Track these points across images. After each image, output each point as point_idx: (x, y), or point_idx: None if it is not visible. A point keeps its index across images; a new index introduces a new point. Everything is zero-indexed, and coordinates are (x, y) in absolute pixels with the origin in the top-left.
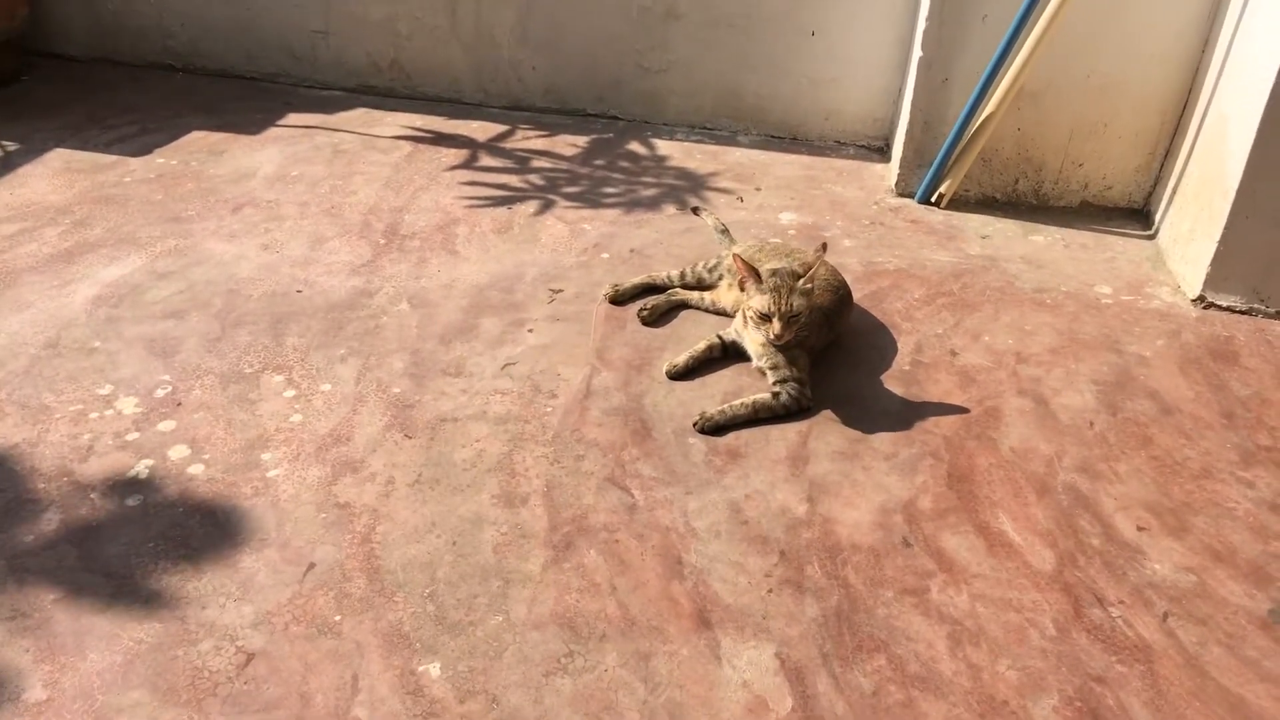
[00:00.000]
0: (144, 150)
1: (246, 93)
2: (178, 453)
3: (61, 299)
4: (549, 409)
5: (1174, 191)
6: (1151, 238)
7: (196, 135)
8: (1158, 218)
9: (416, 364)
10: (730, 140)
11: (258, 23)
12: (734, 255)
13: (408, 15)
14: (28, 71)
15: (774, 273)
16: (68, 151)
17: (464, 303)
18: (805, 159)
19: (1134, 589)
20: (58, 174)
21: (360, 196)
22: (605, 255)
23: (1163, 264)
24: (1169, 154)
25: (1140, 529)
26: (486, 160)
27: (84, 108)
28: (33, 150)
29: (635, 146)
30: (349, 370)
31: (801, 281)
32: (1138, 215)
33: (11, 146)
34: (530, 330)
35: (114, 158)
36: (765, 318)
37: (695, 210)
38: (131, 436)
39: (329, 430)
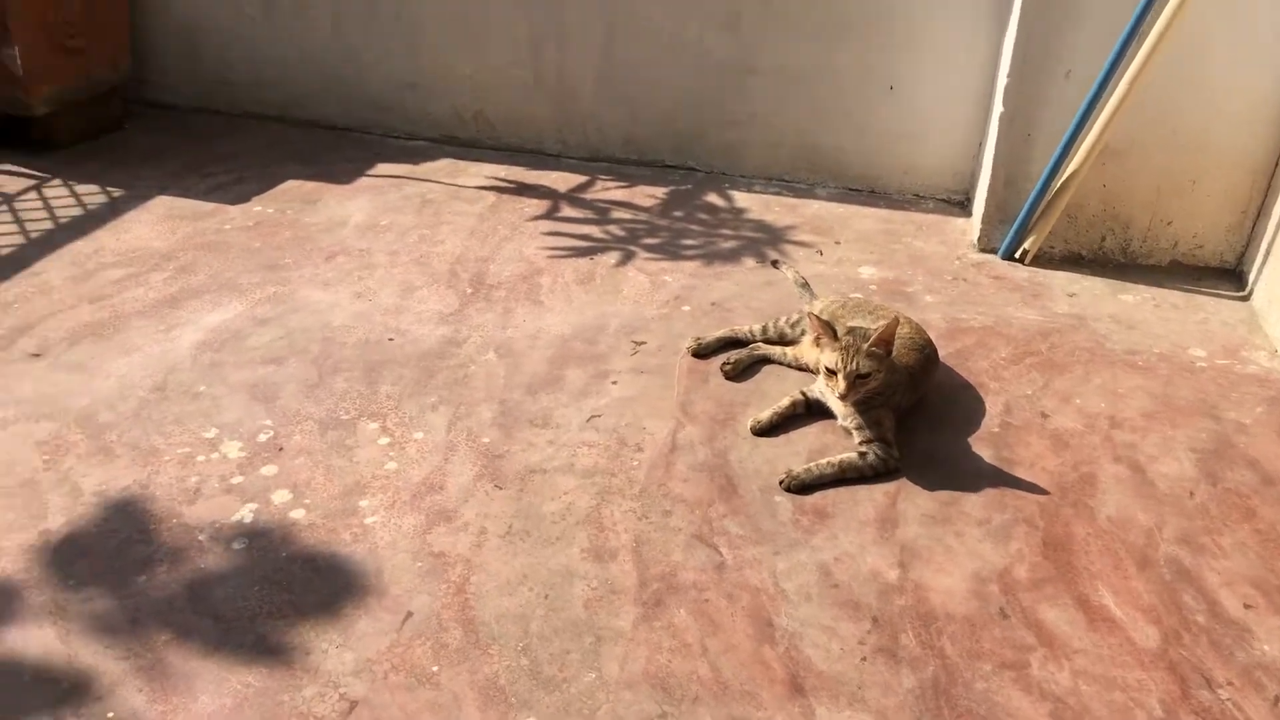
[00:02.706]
0: (242, 198)
1: (338, 143)
2: (280, 497)
3: (167, 343)
4: (635, 462)
5: (1268, 252)
6: (1245, 299)
7: (291, 184)
8: (1251, 278)
9: (504, 414)
10: (808, 193)
11: (352, 76)
12: (809, 314)
13: (492, 69)
14: (130, 120)
15: (850, 330)
16: (169, 199)
17: (549, 353)
18: (884, 212)
19: (1243, 670)
20: (161, 220)
21: (447, 246)
22: (686, 308)
23: (1258, 326)
24: (1261, 213)
25: (1247, 607)
26: (567, 211)
27: (184, 156)
28: (136, 196)
29: (713, 198)
30: (440, 419)
31: (868, 344)
32: (1230, 275)
33: (117, 193)
34: (614, 382)
35: (213, 205)
36: (831, 373)
37: (775, 264)
38: (236, 480)
39: (422, 478)
